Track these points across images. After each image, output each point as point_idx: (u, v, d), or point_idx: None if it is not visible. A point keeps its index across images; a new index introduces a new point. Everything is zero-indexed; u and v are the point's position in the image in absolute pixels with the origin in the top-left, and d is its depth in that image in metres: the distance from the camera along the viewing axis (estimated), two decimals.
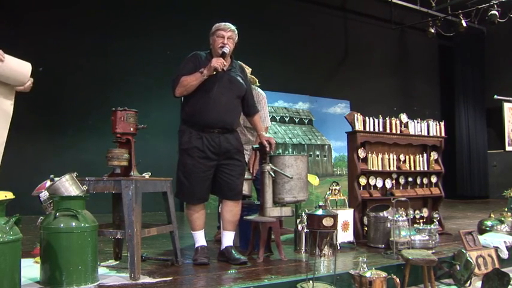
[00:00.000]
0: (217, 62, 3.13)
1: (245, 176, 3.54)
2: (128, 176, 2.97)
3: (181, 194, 3.32)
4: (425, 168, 4.77)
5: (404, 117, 4.72)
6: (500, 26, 9.02)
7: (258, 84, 4.40)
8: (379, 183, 4.44)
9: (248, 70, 4.15)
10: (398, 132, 4.61)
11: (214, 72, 3.16)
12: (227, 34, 3.27)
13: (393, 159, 4.56)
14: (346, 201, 4.17)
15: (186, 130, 3.26)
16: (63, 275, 2.53)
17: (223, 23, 3.32)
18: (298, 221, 3.81)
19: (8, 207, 2.35)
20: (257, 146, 3.56)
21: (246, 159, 3.99)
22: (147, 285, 2.66)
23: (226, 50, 3.24)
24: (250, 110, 3.49)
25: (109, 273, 2.94)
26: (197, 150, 3.19)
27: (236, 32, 3.34)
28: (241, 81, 3.37)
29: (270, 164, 3.37)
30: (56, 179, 2.79)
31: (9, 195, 2.30)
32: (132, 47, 7.28)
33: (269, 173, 3.35)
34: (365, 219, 4.23)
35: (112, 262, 3.32)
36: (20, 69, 2.75)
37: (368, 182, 4.37)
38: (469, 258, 3.40)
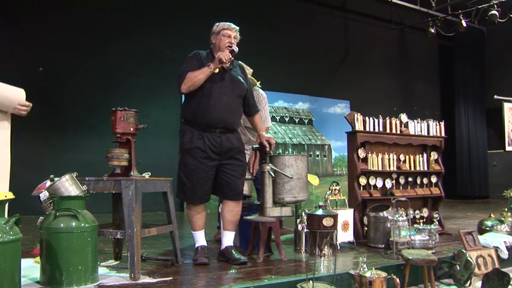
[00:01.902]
0: (223, 54, 3.18)
1: (245, 176, 3.53)
2: (128, 176, 2.96)
3: (182, 194, 3.32)
4: (425, 168, 4.77)
5: (404, 117, 4.72)
6: (500, 26, 9.03)
7: (259, 85, 4.40)
8: (379, 183, 4.44)
9: (249, 71, 4.15)
10: (398, 132, 4.61)
11: (217, 70, 3.19)
12: (233, 34, 3.32)
13: (393, 159, 4.56)
14: (346, 201, 4.17)
15: (188, 130, 3.26)
16: (63, 275, 2.53)
17: (228, 23, 3.36)
18: (298, 221, 3.81)
19: (8, 207, 2.35)
20: (257, 146, 3.56)
21: (246, 160, 3.99)
22: (147, 285, 2.66)
23: (236, 48, 3.29)
24: (251, 110, 3.50)
25: (109, 273, 2.94)
26: (199, 150, 3.19)
27: (238, 32, 3.39)
28: (242, 80, 3.39)
29: (270, 164, 3.37)
30: (56, 179, 2.79)
31: (9, 195, 2.30)
32: (132, 47, 7.28)
33: (269, 173, 3.35)
34: (365, 219, 4.23)
35: (112, 262, 3.31)
36: (10, 96, 2.73)
37: (368, 182, 4.37)
38: (469, 258, 3.40)
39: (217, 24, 3.37)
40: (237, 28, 3.37)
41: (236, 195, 3.33)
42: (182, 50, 3.61)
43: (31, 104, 2.83)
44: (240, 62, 3.56)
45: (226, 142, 3.26)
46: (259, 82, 4.42)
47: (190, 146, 3.21)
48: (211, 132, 3.22)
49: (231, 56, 3.24)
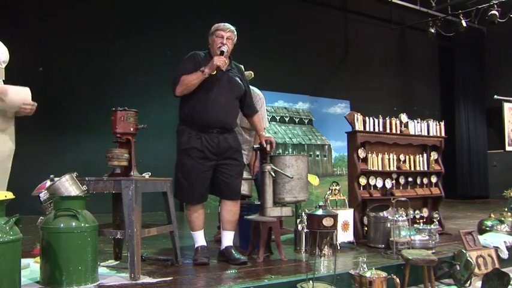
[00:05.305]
0: (220, 60, 3.16)
1: (245, 176, 3.53)
2: (128, 176, 2.96)
3: (180, 195, 3.32)
4: (425, 168, 4.77)
5: (404, 117, 4.72)
6: (500, 26, 9.02)
7: (253, 75, 4.34)
8: (379, 183, 4.44)
9: (246, 72, 4.12)
10: (398, 132, 4.61)
11: (215, 72, 3.18)
12: (226, 34, 3.29)
13: (393, 159, 4.56)
14: (346, 201, 4.17)
15: (185, 130, 3.26)
16: (63, 275, 2.53)
17: (223, 24, 3.33)
18: (298, 221, 3.81)
19: (8, 207, 2.35)
20: (257, 146, 3.56)
21: (244, 160, 3.99)
22: (147, 285, 2.66)
23: (224, 48, 3.24)
24: (250, 111, 3.51)
25: (109, 273, 2.94)
26: (196, 150, 3.20)
27: (235, 32, 3.35)
28: (240, 81, 3.38)
29: (271, 164, 3.37)
30: (56, 179, 2.79)
31: (9, 195, 2.30)
32: (132, 47, 7.28)
33: (269, 173, 3.35)
34: (365, 219, 4.23)
35: (112, 262, 3.32)
36: (20, 97, 2.83)
37: (368, 182, 4.37)
38: (469, 258, 3.40)
39: (214, 25, 3.36)
40: (232, 28, 3.33)
41: (234, 195, 3.33)
42: (182, 50, 3.60)
43: (35, 104, 2.86)
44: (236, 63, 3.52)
45: (224, 142, 3.26)
46: (253, 73, 4.34)
47: (188, 146, 3.21)
48: (208, 133, 3.22)
49: (226, 61, 3.22)
